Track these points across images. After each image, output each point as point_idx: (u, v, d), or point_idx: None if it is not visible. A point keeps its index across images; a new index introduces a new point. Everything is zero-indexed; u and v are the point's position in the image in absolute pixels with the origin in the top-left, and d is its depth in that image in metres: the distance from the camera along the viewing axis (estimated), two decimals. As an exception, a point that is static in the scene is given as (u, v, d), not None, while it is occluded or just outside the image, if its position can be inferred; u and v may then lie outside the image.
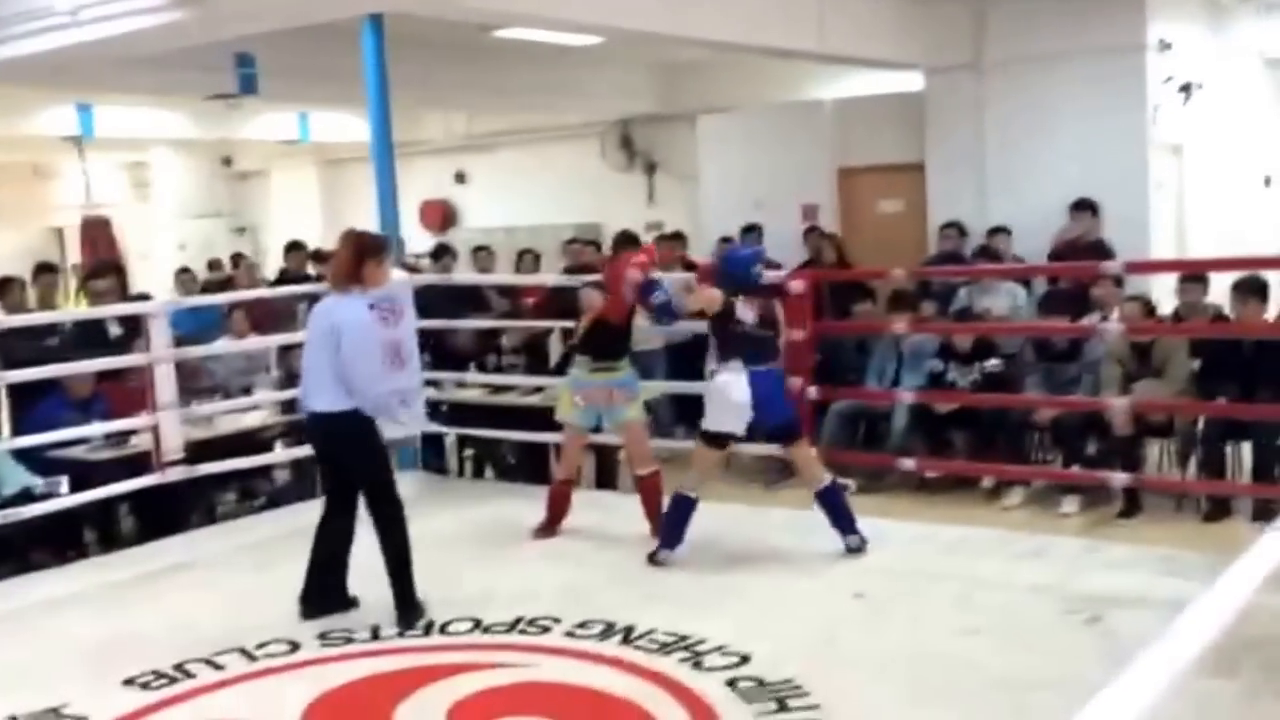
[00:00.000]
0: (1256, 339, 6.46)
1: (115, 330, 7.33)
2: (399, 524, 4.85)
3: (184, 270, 11.51)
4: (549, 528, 6.05)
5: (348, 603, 4.99)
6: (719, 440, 5.43)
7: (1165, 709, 1.63)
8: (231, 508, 7.23)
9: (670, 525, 5.45)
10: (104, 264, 10.65)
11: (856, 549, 5.45)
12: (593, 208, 13.40)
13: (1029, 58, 9.26)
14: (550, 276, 9.33)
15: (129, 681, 4.37)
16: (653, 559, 5.43)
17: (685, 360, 7.86)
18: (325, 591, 4.98)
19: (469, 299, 8.68)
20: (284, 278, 9.91)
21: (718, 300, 5.38)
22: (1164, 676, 1.68)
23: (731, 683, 4.10)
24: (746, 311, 5.38)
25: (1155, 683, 1.66)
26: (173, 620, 5.05)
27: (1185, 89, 9.07)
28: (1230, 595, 2.00)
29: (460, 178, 15.04)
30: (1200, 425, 6.56)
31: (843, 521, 5.49)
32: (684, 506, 5.43)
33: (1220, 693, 3.56)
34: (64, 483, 5.99)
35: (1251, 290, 6.45)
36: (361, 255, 4.77)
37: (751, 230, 9.91)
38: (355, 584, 5.04)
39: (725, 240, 9.55)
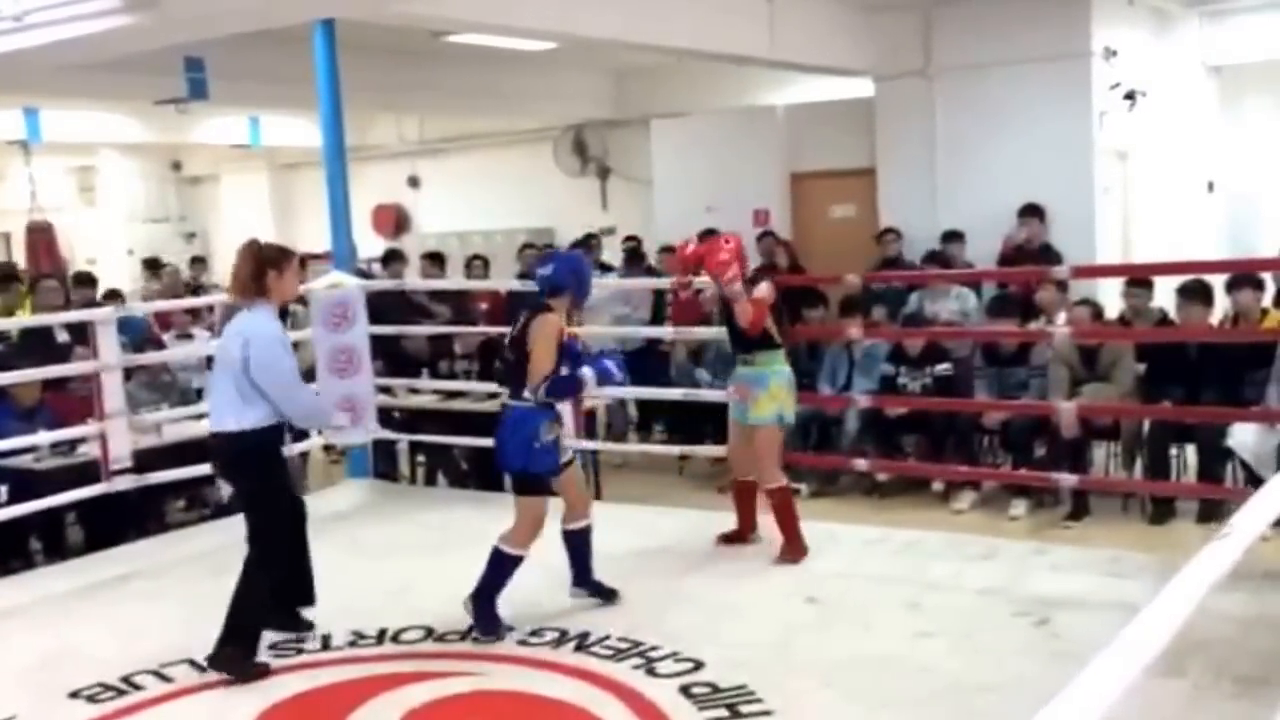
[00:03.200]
0: (1201, 342, 6.57)
1: (63, 337, 7.23)
2: (255, 570, 4.55)
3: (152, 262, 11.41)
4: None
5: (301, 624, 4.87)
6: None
7: (1114, 709, 1.65)
8: (181, 516, 7.14)
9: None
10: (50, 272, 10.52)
11: (579, 596, 4.89)
12: (546, 212, 13.38)
13: (977, 65, 9.36)
14: (504, 282, 9.31)
15: (75, 694, 4.32)
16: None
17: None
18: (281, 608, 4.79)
19: (417, 306, 8.63)
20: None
21: None
22: (1116, 683, 1.70)
23: (685, 689, 4.11)
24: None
25: (1107, 689, 1.68)
26: (121, 631, 4.98)
27: (1130, 96, 9.21)
28: (1182, 599, 2.03)
29: (413, 182, 14.95)
30: (1146, 428, 6.66)
31: (482, 590, 4.69)
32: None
33: (1169, 693, 3.62)
34: (2, 492, 5.88)
35: (1196, 294, 6.56)
36: (261, 266, 4.56)
37: (588, 240, 10.07)
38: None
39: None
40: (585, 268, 4.99)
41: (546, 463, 4.70)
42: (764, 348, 5.47)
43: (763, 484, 5.52)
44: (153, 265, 12.35)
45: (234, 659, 4.44)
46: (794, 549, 5.49)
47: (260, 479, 4.62)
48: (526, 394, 4.64)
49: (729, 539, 5.78)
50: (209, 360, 7.67)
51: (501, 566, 4.67)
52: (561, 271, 4.76)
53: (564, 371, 4.64)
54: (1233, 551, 2.28)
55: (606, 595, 5.03)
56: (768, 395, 5.44)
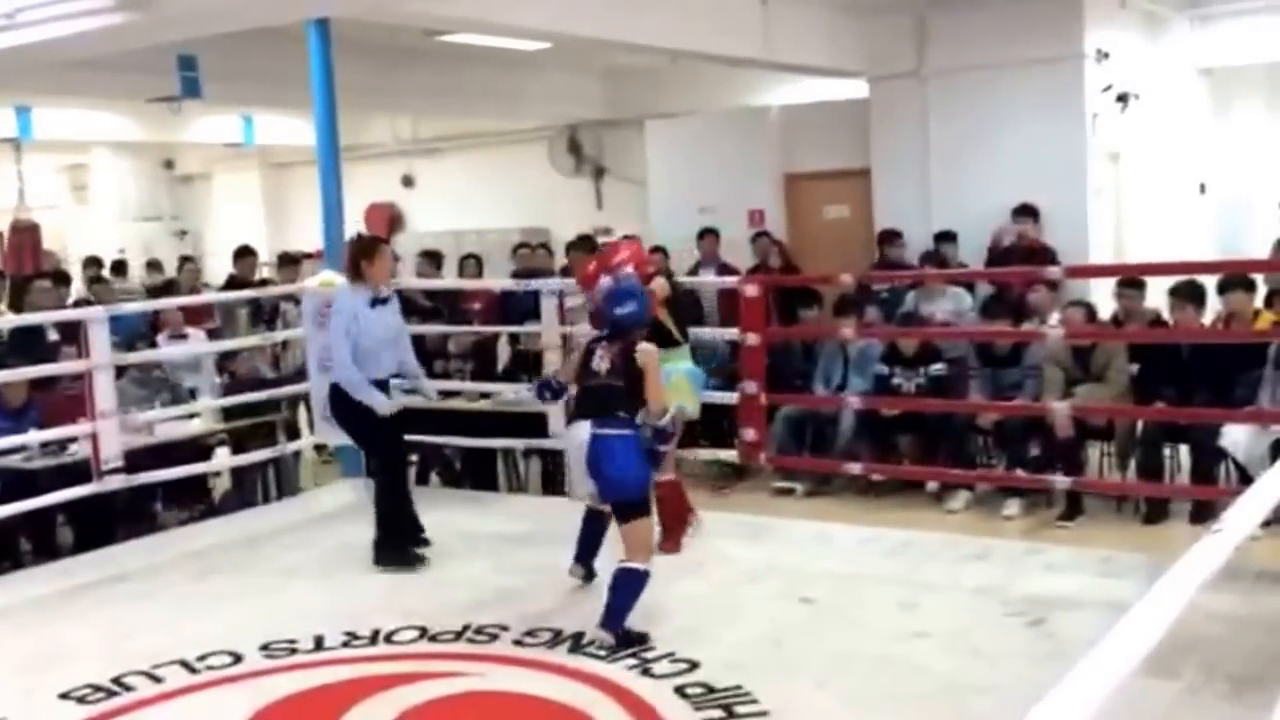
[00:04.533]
0: (1193, 343, 6.58)
1: (53, 336, 7.20)
2: (381, 479, 5.81)
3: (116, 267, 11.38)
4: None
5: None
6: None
7: (1107, 709, 1.65)
8: (172, 516, 7.11)
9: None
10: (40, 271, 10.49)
11: (599, 641, 4.54)
12: (540, 212, 13.37)
13: (971, 67, 9.38)
14: (498, 281, 9.30)
15: (65, 695, 4.28)
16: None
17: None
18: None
19: (408, 301, 8.60)
20: (233, 283, 9.79)
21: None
22: (1107, 681, 1.70)
23: (680, 689, 4.10)
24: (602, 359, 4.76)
25: (1098, 687, 1.67)
26: (111, 632, 4.95)
27: (1123, 98, 9.24)
28: (1172, 597, 2.02)
29: (407, 182, 14.94)
30: (1139, 428, 6.67)
31: (614, 613, 4.56)
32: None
33: (1161, 693, 3.62)
34: None
35: (1188, 295, 6.57)
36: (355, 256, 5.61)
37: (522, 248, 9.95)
38: (303, 590, 4.97)
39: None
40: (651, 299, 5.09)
41: (646, 484, 4.78)
42: (667, 345, 5.49)
43: (658, 474, 5.55)
44: (157, 267, 12.35)
45: (390, 551, 5.56)
46: (671, 542, 5.58)
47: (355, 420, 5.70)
48: (639, 420, 4.61)
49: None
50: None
51: (631, 587, 4.56)
52: (641, 309, 4.81)
53: None
54: (1223, 549, 2.28)
55: (589, 577, 5.16)
56: (671, 389, 5.38)
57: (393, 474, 5.80)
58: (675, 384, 5.44)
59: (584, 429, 4.69)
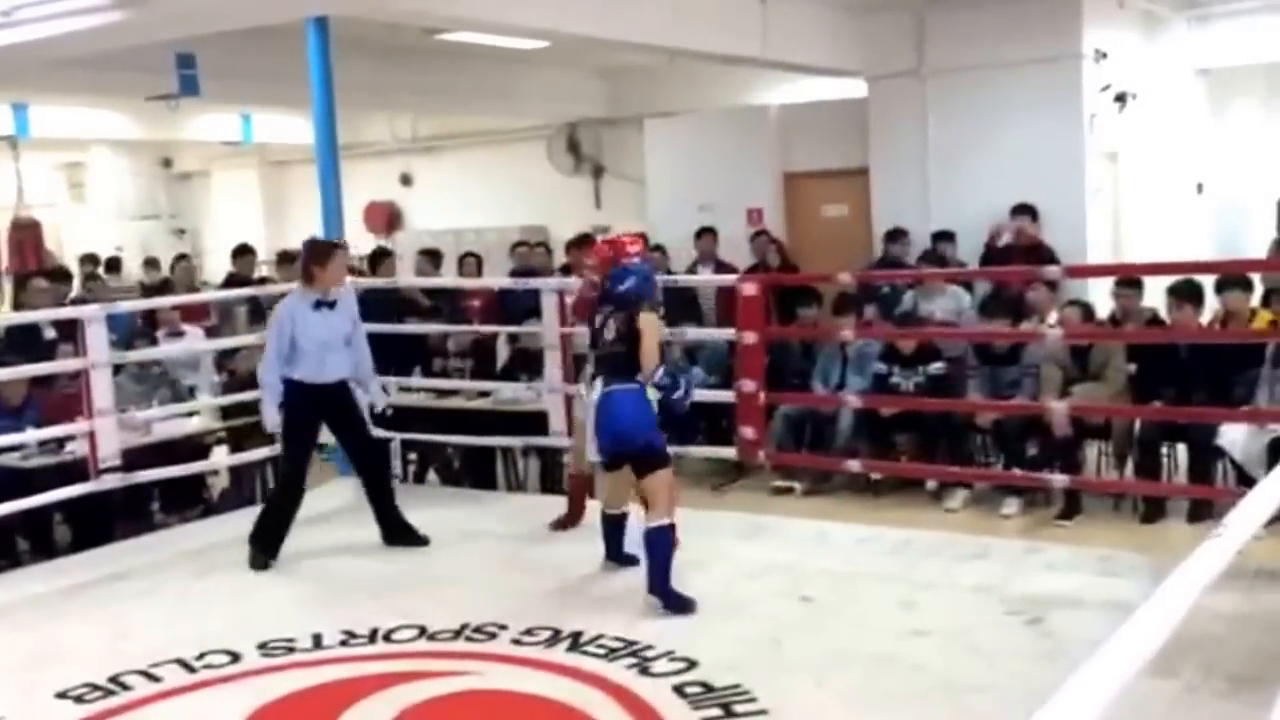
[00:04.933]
0: (1191, 343, 6.58)
1: (50, 334, 7.19)
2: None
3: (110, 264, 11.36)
4: None
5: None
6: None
7: (1106, 709, 1.65)
8: (170, 515, 7.11)
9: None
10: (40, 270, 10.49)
11: (652, 606, 4.80)
12: (539, 211, 13.37)
13: (969, 66, 9.38)
14: (497, 280, 9.30)
15: (62, 694, 4.27)
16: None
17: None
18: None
19: (410, 300, 8.61)
20: (232, 281, 9.78)
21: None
22: (1113, 683, 1.69)
23: (678, 688, 4.09)
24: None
25: (1104, 689, 1.67)
26: (108, 631, 4.94)
27: (1121, 98, 9.25)
28: (1177, 598, 2.02)
29: (405, 180, 14.94)
30: (1137, 427, 6.67)
31: (656, 574, 4.83)
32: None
33: (1159, 692, 3.62)
34: None
35: (1186, 294, 6.57)
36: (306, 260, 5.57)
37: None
38: (301, 589, 4.97)
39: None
40: (654, 273, 5.37)
41: (661, 436, 5.05)
42: None
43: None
44: (154, 265, 12.35)
45: (253, 546, 5.75)
46: (570, 519, 5.98)
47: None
48: (639, 378, 4.94)
49: (561, 524, 6.06)
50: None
51: (663, 543, 4.83)
52: (640, 283, 5.10)
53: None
54: (1227, 551, 2.28)
55: (630, 563, 5.32)
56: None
57: (287, 483, 5.83)
58: None
59: (597, 390, 5.04)
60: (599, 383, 5.05)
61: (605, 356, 5.07)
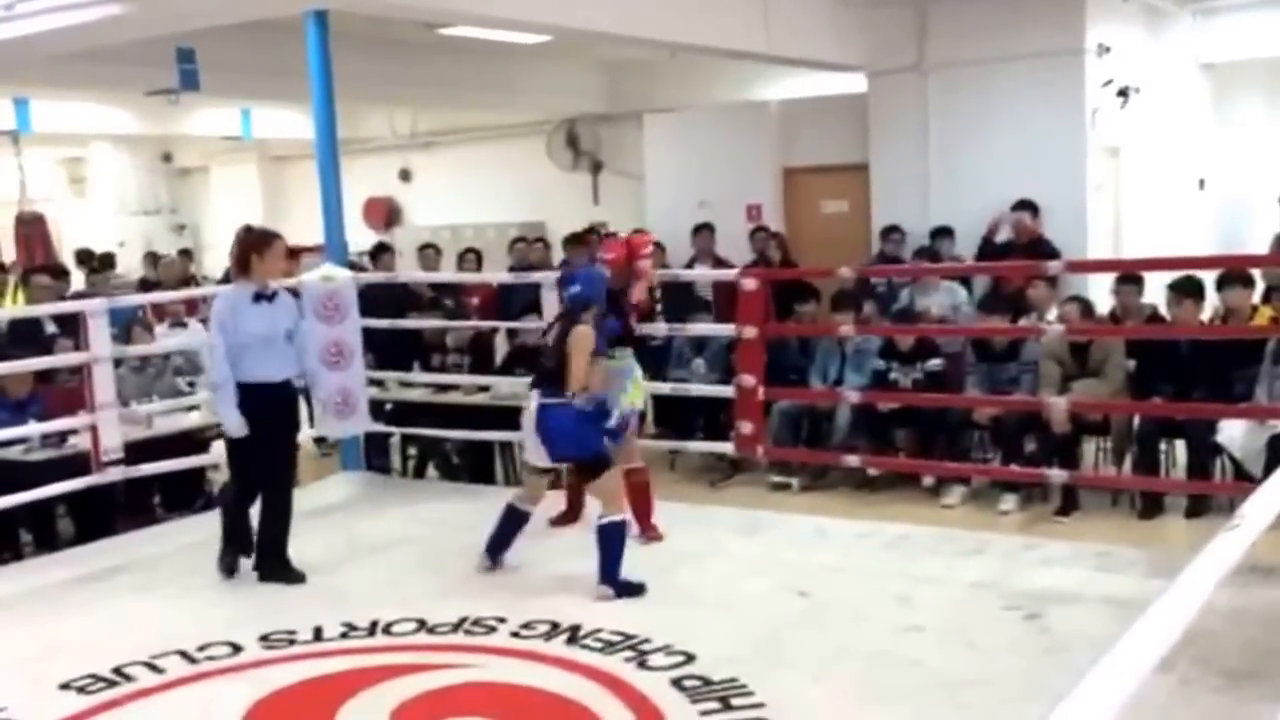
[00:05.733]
0: (1191, 339, 6.59)
1: (51, 329, 7.20)
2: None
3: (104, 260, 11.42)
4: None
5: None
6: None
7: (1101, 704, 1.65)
8: (171, 509, 7.12)
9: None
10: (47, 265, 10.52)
11: (601, 597, 4.93)
12: (538, 207, 13.37)
13: (970, 61, 9.38)
14: (496, 275, 9.30)
15: (66, 686, 4.30)
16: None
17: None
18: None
19: (415, 295, 8.62)
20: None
21: None
22: (1131, 678, 1.68)
23: (676, 682, 4.11)
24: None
25: (1123, 685, 1.66)
26: (111, 623, 4.97)
27: (1123, 93, 9.24)
28: (1194, 591, 2.02)
29: (405, 175, 14.94)
30: (1136, 424, 6.68)
31: (608, 566, 4.98)
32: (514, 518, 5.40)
33: (1155, 686, 3.63)
34: None
35: (1187, 290, 6.57)
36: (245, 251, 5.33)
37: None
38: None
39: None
40: (603, 280, 5.37)
41: (600, 441, 5.11)
42: (623, 344, 5.67)
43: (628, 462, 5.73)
44: (156, 260, 12.38)
45: (221, 555, 5.47)
46: (569, 515, 5.96)
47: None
48: (567, 395, 4.97)
49: (561, 520, 6.05)
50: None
51: (616, 537, 4.99)
52: (588, 289, 5.17)
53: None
54: (1242, 543, 2.28)
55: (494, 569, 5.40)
56: (634, 385, 5.66)
57: (238, 488, 5.52)
58: (637, 380, 5.69)
59: (533, 400, 5.08)
60: (535, 394, 5.07)
61: (542, 368, 5.12)
